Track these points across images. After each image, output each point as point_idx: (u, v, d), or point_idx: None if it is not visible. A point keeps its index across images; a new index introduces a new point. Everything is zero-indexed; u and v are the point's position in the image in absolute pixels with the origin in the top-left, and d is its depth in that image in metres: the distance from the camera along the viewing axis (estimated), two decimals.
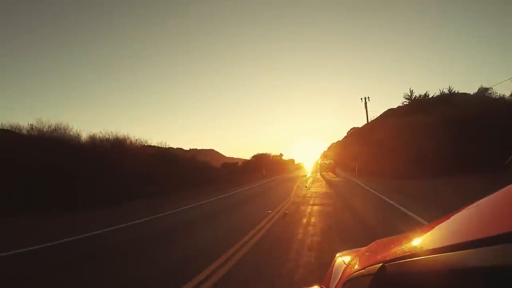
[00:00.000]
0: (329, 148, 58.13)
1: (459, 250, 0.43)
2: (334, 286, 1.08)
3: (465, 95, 25.42)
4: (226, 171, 30.04)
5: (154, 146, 20.32)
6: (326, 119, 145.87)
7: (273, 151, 60.65)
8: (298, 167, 59.53)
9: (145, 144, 18.81)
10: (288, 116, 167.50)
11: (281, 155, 56.14)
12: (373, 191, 11.84)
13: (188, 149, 39.47)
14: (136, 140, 18.08)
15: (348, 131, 47.48)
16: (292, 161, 68.28)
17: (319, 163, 39.06)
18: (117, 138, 15.63)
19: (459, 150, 14.33)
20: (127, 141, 16.49)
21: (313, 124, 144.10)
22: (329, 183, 18.08)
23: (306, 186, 16.13)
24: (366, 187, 13.91)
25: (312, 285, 1.18)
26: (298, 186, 16.62)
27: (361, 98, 28.15)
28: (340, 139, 53.53)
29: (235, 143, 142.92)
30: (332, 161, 30.55)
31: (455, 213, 0.59)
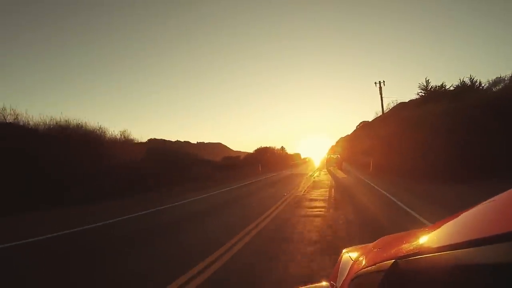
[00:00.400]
0: (337, 142, 55.49)
1: (472, 247, 0.43)
2: (341, 282, 1.07)
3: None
4: (221, 164, 28.55)
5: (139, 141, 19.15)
6: (335, 113, 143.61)
7: (278, 144, 58.55)
8: (304, 161, 55.97)
9: (128, 138, 17.38)
10: (297, 110, 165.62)
11: (282, 148, 52.17)
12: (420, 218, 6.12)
13: (195, 142, 38.67)
14: (120, 133, 16.78)
15: (358, 125, 44.64)
16: (297, 155, 64.35)
17: (326, 158, 37.79)
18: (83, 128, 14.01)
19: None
20: (98, 133, 14.82)
21: (322, 119, 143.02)
22: (340, 190, 11.72)
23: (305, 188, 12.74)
24: (397, 201, 8.15)
25: (320, 281, 1.20)
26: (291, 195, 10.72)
27: (375, 83, 24.78)
28: (349, 133, 50.90)
29: (243, 137, 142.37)
30: (339, 156, 29.59)
31: (464, 212, 0.59)
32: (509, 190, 0.50)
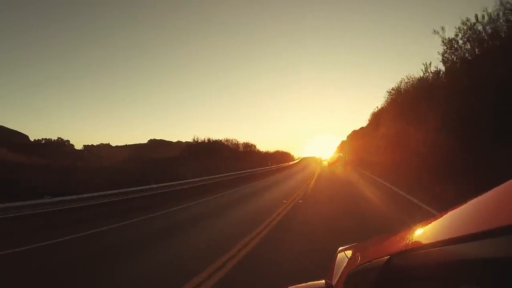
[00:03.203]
0: (342, 142, 51.01)
1: (465, 242, 0.43)
2: (337, 280, 1.09)
3: None
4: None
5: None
6: (343, 112, 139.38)
7: (280, 145, 53.83)
8: (302, 164, 44.65)
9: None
10: (304, 111, 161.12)
11: (253, 146, 41.51)
12: None
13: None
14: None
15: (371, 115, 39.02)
16: (285, 154, 54.75)
17: (323, 160, 35.19)
18: None
19: None
20: None
21: (329, 119, 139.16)
22: None
23: None
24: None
25: (318, 279, 1.16)
26: None
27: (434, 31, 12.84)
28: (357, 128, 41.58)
29: (248, 138, 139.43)
30: (341, 154, 26.54)
31: (459, 206, 0.57)
32: (499, 186, 0.49)
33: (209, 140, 32.87)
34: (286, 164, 40.64)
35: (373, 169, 17.44)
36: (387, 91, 20.61)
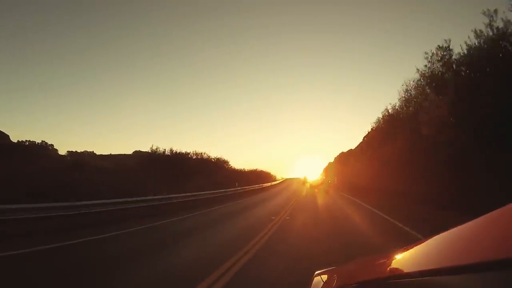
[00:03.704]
0: (328, 164, 50.84)
1: (442, 275, 0.40)
2: None
3: None
4: None
5: None
6: (332, 134, 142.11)
7: (273, 165, 51.50)
8: (282, 186, 41.62)
9: None
10: (294, 132, 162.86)
11: (225, 161, 35.71)
12: None
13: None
14: None
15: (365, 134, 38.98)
16: (265, 173, 48.07)
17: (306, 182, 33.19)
18: None
19: None
20: None
21: (318, 141, 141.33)
22: None
23: None
24: None
25: None
26: None
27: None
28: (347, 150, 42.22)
29: (237, 156, 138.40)
30: (324, 177, 25.85)
31: (441, 234, 0.55)
32: (485, 215, 0.46)
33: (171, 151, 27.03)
34: (262, 185, 34.83)
35: (361, 195, 16.93)
36: (371, 124, 22.32)
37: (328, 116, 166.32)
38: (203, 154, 31.69)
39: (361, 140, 28.50)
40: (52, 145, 42.08)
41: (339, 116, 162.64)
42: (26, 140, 40.35)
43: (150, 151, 26.13)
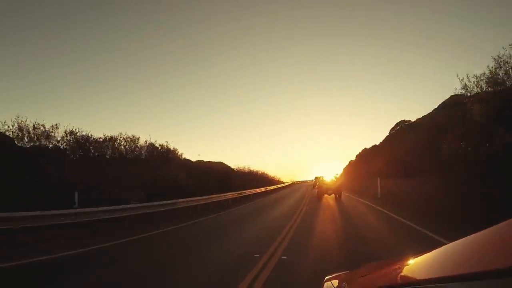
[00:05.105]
0: (345, 167, 47.25)
1: (456, 282, 0.42)
2: None
3: None
4: None
5: None
6: (347, 138, 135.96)
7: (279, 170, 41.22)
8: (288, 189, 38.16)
9: None
10: (304, 135, 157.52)
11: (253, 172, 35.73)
12: None
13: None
14: None
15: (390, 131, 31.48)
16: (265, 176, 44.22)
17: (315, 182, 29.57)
18: None
19: None
20: None
21: (332, 144, 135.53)
22: None
23: None
24: None
25: None
26: None
27: None
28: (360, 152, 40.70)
29: (245, 157, 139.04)
30: (337, 178, 20.74)
31: (455, 242, 0.56)
32: (496, 226, 0.47)
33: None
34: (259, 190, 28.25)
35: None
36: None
37: (345, 121, 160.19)
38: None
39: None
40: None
41: (355, 121, 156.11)
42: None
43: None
